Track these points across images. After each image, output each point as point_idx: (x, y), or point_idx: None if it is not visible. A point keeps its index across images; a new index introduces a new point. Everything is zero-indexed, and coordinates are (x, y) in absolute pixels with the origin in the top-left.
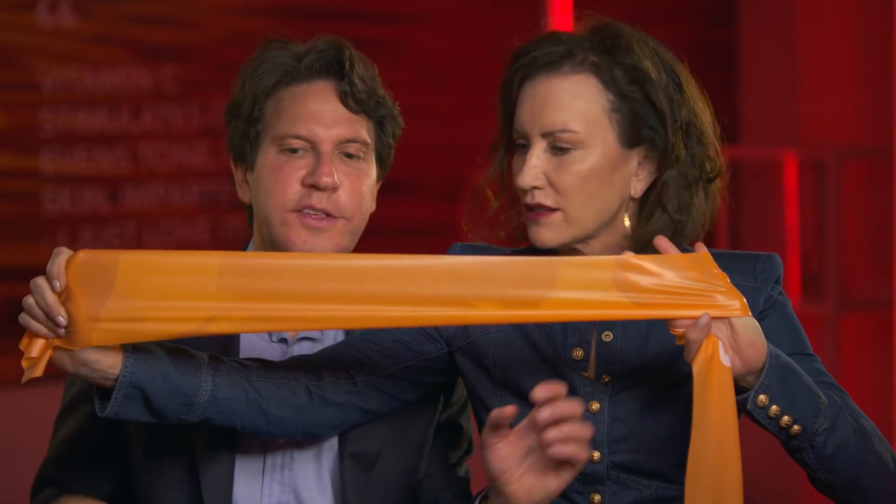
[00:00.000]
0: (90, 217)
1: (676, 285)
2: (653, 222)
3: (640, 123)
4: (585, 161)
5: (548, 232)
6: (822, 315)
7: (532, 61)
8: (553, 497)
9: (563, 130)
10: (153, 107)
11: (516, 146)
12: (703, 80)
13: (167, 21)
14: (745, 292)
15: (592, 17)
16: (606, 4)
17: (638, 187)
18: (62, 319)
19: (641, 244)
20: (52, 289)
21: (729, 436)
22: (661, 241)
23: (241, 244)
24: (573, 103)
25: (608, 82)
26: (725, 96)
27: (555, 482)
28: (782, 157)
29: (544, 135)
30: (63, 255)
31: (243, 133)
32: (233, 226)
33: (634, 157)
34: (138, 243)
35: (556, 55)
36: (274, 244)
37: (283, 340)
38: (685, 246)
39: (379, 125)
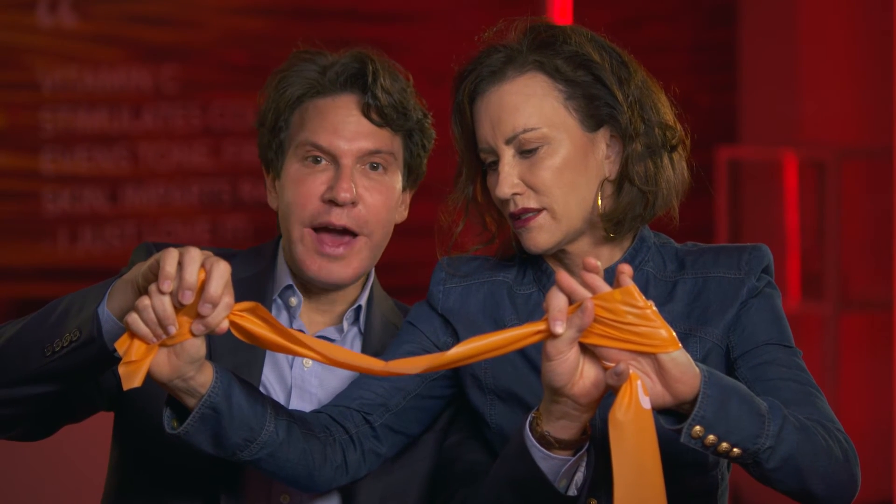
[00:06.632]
0: (90, 217)
1: (603, 317)
2: (623, 196)
3: (597, 104)
4: (555, 155)
5: (539, 235)
6: (822, 315)
7: (476, 78)
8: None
9: (525, 130)
10: (153, 107)
11: (487, 166)
12: (703, 81)
13: (167, 21)
14: (727, 284)
15: (524, 21)
16: (606, 5)
17: (611, 169)
18: (174, 329)
19: (615, 222)
20: (181, 299)
21: (651, 479)
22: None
23: (241, 244)
24: (527, 103)
25: (554, 74)
26: (725, 96)
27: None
28: (782, 157)
29: (508, 141)
30: (196, 262)
31: (268, 142)
32: (233, 226)
33: (601, 140)
34: (138, 243)
35: (497, 64)
36: (293, 261)
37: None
38: (652, 239)
39: (407, 136)
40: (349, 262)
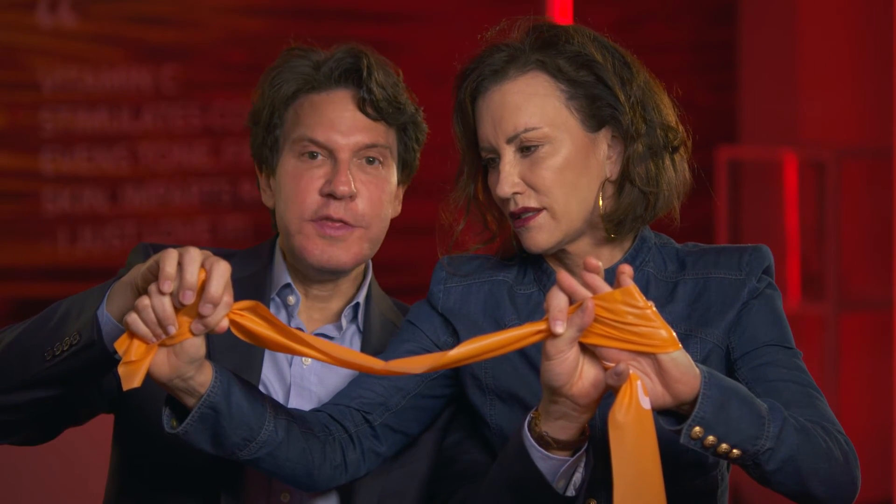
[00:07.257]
0: (90, 217)
1: (603, 317)
2: (623, 197)
3: (598, 104)
4: (556, 154)
5: (539, 234)
6: (822, 315)
7: (478, 76)
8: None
9: (526, 130)
10: (153, 107)
11: (487, 162)
12: (704, 81)
13: (167, 21)
14: (727, 285)
15: (526, 20)
16: (606, 4)
17: (612, 169)
18: (174, 329)
19: (615, 222)
20: (182, 300)
21: (650, 480)
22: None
23: (240, 244)
24: (529, 102)
25: (556, 73)
26: (725, 96)
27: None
28: (782, 157)
29: (510, 140)
30: (196, 262)
31: (262, 139)
32: (233, 226)
33: (602, 140)
34: (138, 243)
35: (499, 63)
36: (293, 253)
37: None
38: (654, 239)
39: (402, 130)
40: (349, 247)
